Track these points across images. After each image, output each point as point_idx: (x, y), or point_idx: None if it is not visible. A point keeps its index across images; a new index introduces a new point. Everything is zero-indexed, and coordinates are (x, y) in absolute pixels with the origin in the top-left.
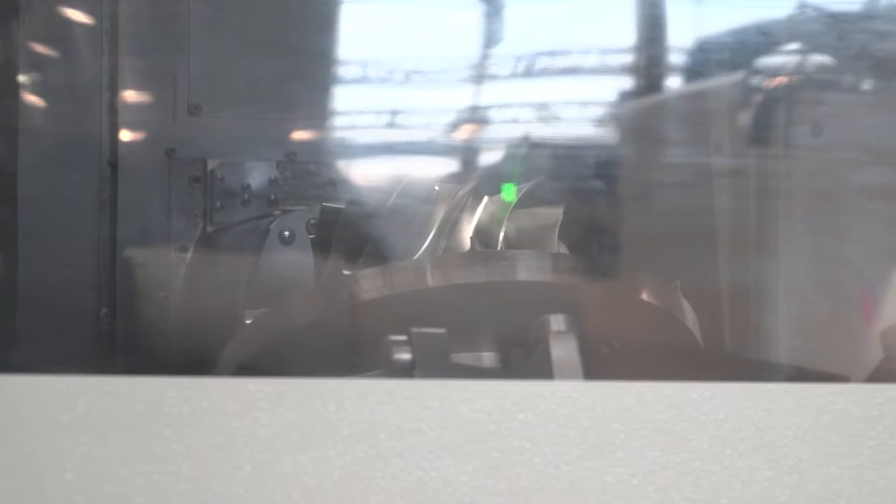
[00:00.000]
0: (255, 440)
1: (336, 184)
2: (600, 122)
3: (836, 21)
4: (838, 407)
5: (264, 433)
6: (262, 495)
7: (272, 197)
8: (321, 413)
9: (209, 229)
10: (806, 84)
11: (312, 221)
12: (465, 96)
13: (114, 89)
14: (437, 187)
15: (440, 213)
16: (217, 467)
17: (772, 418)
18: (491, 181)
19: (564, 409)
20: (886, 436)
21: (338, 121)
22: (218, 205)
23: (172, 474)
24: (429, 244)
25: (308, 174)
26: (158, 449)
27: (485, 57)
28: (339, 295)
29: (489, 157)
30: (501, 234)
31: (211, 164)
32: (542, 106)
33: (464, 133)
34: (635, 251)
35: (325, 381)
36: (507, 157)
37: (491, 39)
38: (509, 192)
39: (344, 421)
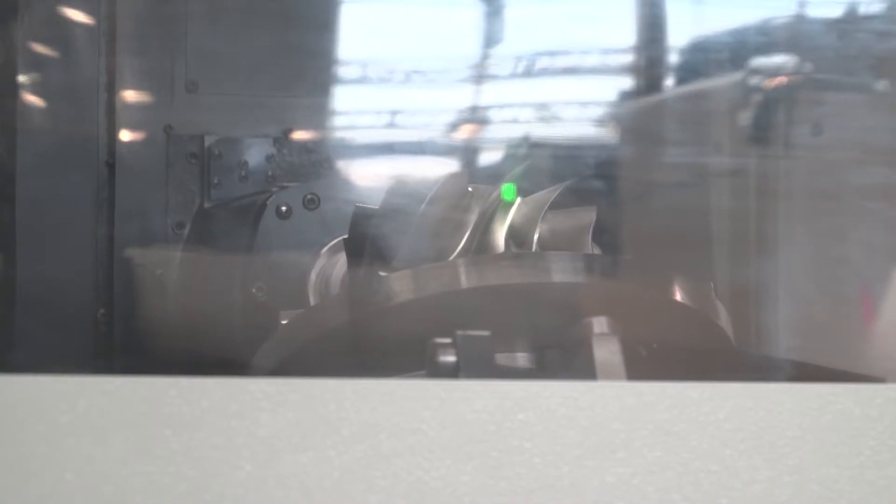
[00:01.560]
0: (255, 440)
1: (334, 161)
2: (610, 121)
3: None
4: (838, 407)
5: (264, 433)
6: (262, 495)
7: (269, 173)
8: (321, 413)
9: (206, 205)
10: (806, 84)
11: (309, 196)
12: (468, 94)
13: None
14: (470, 188)
15: (474, 214)
16: (217, 467)
17: (772, 418)
18: (524, 182)
19: (564, 409)
20: (886, 436)
21: (337, 98)
22: (215, 181)
23: (172, 474)
24: (464, 245)
25: (306, 151)
26: (158, 449)
27: (486, 52)
28: (375, 296)
29: (499, 151)
30: (536, 236)
31: (208, 141)
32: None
33: (466, 130)
34: (657, 252)
35: (325, 381)
36: (538, 158)
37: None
38: (509, 193)
39: (344, 421)
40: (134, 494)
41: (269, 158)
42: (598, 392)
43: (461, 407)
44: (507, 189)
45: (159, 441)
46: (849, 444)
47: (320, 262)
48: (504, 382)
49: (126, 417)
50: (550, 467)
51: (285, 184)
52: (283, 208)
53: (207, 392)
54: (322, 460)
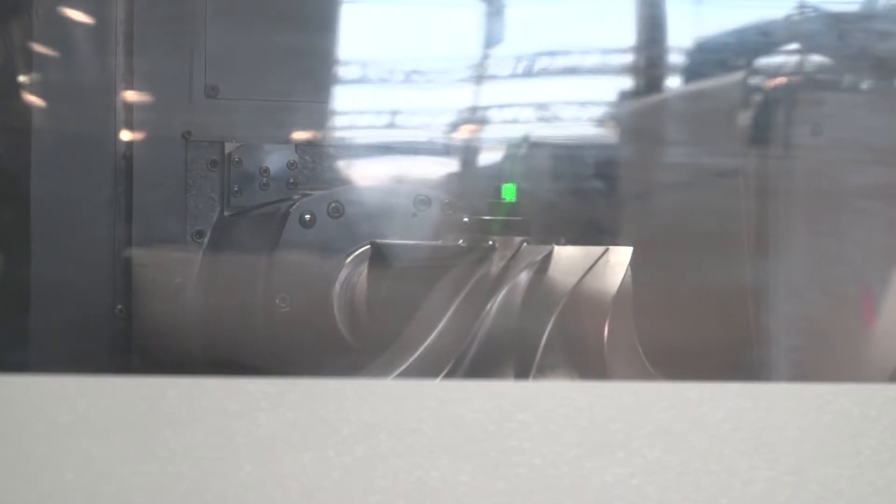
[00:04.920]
0: (255, 440)
1: (357, 168)
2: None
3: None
4: (838, 407)
5: (264, 433)
6: (262, 495)
7: (291, 181)
8: (321, 413)
9: (227, 213)
10: (807, 84)
11: (333, 205)
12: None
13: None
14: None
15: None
16: (217, 467)
17: (772, 418)
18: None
19: (564, 409)
20: (886, 436)
21: (358, 104)
22: (235, 188)
23: (172, 474)
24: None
25: (328, 157)
26: (158, 449)
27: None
28: None
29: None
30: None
31: (228, 147)
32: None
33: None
34: None
35: (325, 381)
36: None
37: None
38: (509, 193)
39: (344, 421)
40: (134, 494)
41: (290, 165)
42: (597, 392)
43: (461, 407)
44: (507, 189)
45: (159, 441)
46: (849, 444)
47: (345, 272)
48: (503, 382)
49: (126, 417)
50: (550, 467)
51: (307, 192)
52: (307, 216)
53: (207, 392)
54: (322, 460)
